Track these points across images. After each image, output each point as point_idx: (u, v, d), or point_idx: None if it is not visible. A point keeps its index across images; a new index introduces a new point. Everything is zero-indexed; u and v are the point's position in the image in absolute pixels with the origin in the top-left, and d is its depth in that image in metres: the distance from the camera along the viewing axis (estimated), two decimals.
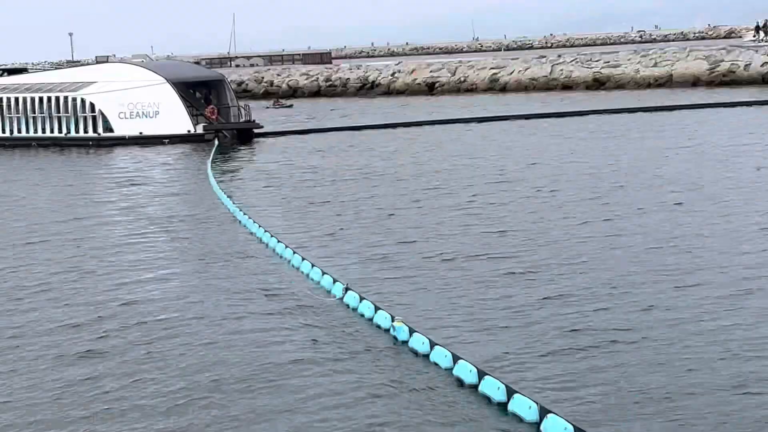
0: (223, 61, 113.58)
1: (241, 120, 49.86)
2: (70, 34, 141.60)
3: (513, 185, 28.58)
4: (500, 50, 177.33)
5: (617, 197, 25.50)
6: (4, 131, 51.69)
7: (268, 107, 73.11)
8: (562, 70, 77.38)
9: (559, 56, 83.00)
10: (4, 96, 51.63)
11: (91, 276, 19.11)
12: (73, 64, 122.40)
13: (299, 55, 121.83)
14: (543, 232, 21.25)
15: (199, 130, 47.96)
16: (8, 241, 23.33)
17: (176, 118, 48.05)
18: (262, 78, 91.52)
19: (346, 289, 16.25)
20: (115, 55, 70.37)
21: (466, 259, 19.00)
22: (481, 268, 18.22)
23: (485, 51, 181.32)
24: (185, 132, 47.91)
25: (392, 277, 17.88)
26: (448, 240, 21.00)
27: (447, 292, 16.63)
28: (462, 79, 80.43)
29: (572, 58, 79.65)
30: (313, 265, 18.18)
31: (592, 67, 76.40)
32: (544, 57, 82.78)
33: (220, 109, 49.53)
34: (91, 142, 48.91)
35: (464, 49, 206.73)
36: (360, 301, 15.62)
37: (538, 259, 18.69)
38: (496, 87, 78.17)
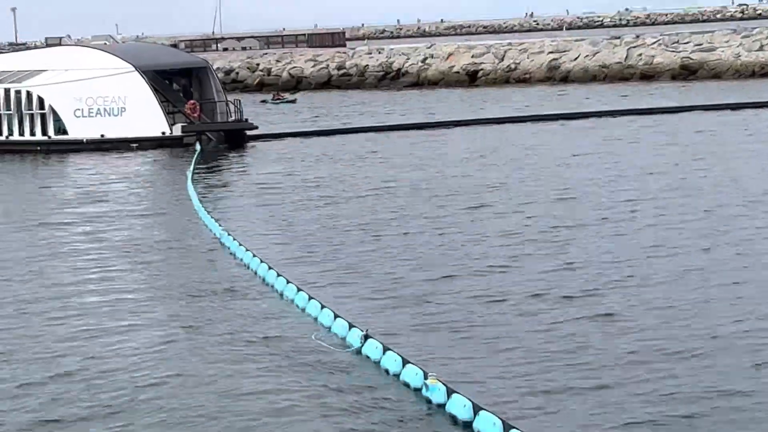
0: (207, 43, 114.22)
1: (229, 119, 50.06)
2: (13, 10, 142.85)
3: (582, 204, 28.50)
4: (561, 29, 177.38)
5: (716, 221, 25.38)
6: None
7: (265, 101, 73.49)
8: (640, 54, 77.38)
9: (637, 37, 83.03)
10: None
11: (42, 323, 19.08)
12: (16, 47, 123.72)
13: (304, 35, 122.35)
14: (621, 267, 21.12)
15: (177, 131, 48.13)
16: None
17: (147, 117, 48.20)
18: (257, 65, 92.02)
19: (366, 337, 16.18)
20: (69, 37, 71.20)
21: (518, 301, 18.90)
22: (537, 312, 18.12)
23: (542, 30, 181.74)
24: (159, 134, 48.10)
25: (424, 322, 17.78)
26: (496, 275, 20.89)
27: (494, 342, 16.52)
28: (512, 66, 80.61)
29: (654, 40, 79.66)
30: (323, 306, 18.12)
31: (680, 51, 76.36)
32: (618, 38, 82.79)
33: (203, 105, 49.72)
34: (39, 147, 49.10)
35: (515, 28, 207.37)
36: (384, 353, 15.56)
37: (615, 304, 18.56)
38: (555, 76, 78.37)
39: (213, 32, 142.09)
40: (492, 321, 17.75)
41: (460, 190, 31.93)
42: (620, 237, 24.09)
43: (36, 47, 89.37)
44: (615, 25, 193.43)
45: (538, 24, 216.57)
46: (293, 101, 73.94)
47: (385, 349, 15.64)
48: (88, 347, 17.35)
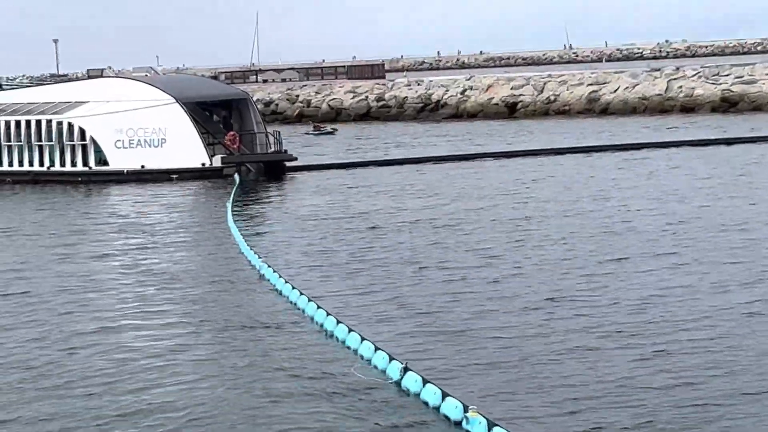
0: (247, 75, 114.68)
1: (269, 150, 50.23)
2: (55, 41, 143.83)
3: (628, 237, 28.32)
4: (600, 61, 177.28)
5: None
6: None
7: (308, 133, 73.49)
8: (681, 87, 77.11)
9: (677, 69, 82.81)
10: None
11: (84, 356, 19.13)
12: (58, 79, 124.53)
13: (343, 67, 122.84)
14: (671, 303, 20.99)
15: (217, 162, 48.36)
16: None
17: (188, 148, 48.46)
18: (297, 97, 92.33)
19: (405, 369, 16.14)
20: (111, 68, 71.61)
21: (563, 336, 18.76)
22: (583, 348, 17.97)
23: (581, 62, 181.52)
24: (199, 165, 48.34)
25: (464, 355, 17.74)
26: (540, 310, 20.75)
27: (536, 377, 16.44)
28: (551, 97, 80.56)
29: (694, 72, 79.42)
30: (363, 339, 18.12)
31: (720, 84, 76.04)
32: (658, 70, 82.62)
33: (242, 136, 49.95)
34: (80, 178, 49.44)
35: (554, 60, 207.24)
36: (423, 385, 15.53)
37: (666, 341, 18.39)
38: (595, 108, 78.21)
39: (252, 64, 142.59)
40: (535, 355, 17.64)
41: (502, 221, 31.89)
42: (670, 271, 23.90)
43: (78, 79, 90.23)
44: (654, 57, 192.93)
45: (577, 56, 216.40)
46: (332, 132, 74.13)
47: (425, 382, 15.61)
48: (129, 382, 17.33)
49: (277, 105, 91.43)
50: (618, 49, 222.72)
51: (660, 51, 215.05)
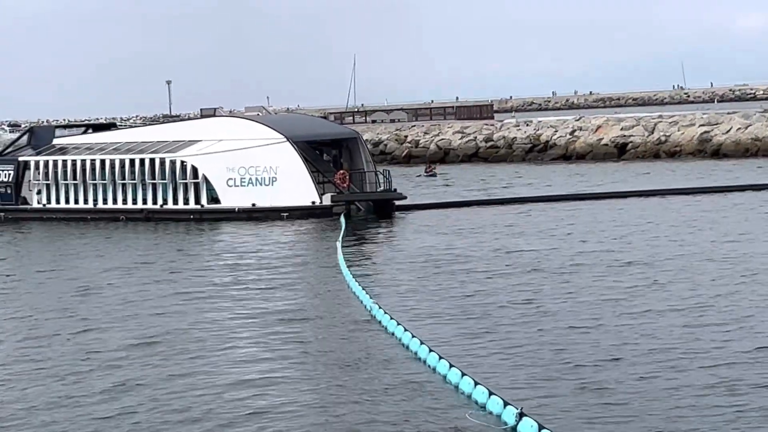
0: (356, 115, 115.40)
1: (379, 189, 50.27)
2: (168, 83, 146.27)
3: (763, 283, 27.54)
4: (712, 101, 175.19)
5: None
6: (86, 201, 53.19)
7: (420, 176, 72.98)
8: None
9: None
10: (88, 158, 53.28)
11: (193, 397, 19.26)
12: (171, 118, 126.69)
13: (452, 107, 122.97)
14: None
15: (327, 201, 48.54)
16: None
17: (298, 186, 48.73)
18: (405, 137, 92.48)
19: (521, 415, 15.90)
20: (223, 108, 72.46)
21: (691, 389, 18.26)
22: (721, 405, 17.43)
23: (693, 102, 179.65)
24: (309, 204, 48.56)
25: (582, 401, 17.47)
26: (669, 361, 20.09)
27: (650, 421, 16.01)
28: (662, 138, 79.60)
29: None
30: (476, 383, 17.88)
31: None
32: None
33: (352, 175, 50.09)
34: (192, 216, 49.99)
35: (665, 101, 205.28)
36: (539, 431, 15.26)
37: None
38: (707, 149, 77.03)
39: (355, 105, 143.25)
40: (662, 410, 17.14)
41: (622, 263, 31.25)
42: None
43: (190, 118, 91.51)
44: None
45: (688, 96, 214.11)
46: (434, 174, 73.39)
47: (541, 428, 15.35)
48: (239, 426, 17.34)
49: (385, 145, 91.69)
50: (730, 90, 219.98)
51: None
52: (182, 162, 50.77)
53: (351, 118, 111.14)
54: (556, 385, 18.50)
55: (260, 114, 56.38)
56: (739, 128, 77.61)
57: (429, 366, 19.83)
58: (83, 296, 30.25)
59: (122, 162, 52.31)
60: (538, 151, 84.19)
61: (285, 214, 48.19)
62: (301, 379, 19.74)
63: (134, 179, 51.81)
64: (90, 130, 58.74)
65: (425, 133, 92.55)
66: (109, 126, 63.59)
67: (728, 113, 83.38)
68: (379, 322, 24.06)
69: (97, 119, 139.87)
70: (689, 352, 20.32)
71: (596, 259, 32.39)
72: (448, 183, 66.41)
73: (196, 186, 50.44)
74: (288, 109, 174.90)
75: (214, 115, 59.12)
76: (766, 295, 25.58)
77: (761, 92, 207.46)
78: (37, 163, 54.47)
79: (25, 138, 59.36)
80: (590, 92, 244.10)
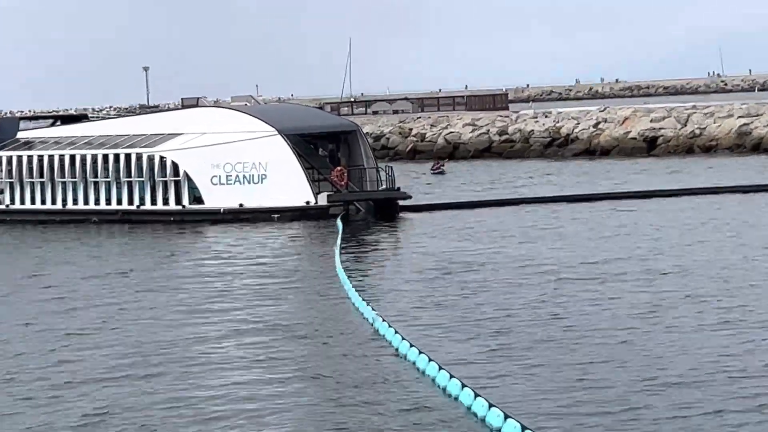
0: (356, 106, 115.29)
1: (381, 187, 50.14)
2: (145, 69, 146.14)
3: None
4: (752, 90, 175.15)
5: None
6: (54, 201, 53.11)
7: (426, 173, 72.88)
8: None
9: None
10: (56, 153, 53.19)
11: (179, 409, 19.29)
12: (148, 109, 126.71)
13: (462, 97, 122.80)
14: None
15: (322, 201, 48.42)
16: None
17: (290, 185, 48.58)
18: (410, 130, 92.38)
19: None
20: (206, 98, 72.34)
21: (726, 415, 18.19)
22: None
23: (731, 92, 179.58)
24: (303, 204, 48.44)
25: (596, 422, 17.53)
26: (701, 383, 19.99)
27: None
28: (696, 131, 79.49)
29: None
30: (491, 405, 17.84)
31: None
32: None
33: (351, 172, 49.99)
34: (172, 217, 49.87)
35: (699, 89, 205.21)
36: None
37: None
38: (746, 143, 76.89)
39: (351, 94, 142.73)
40: (665, 413, 17.24)
41: (654, 272, 31.12)
42: None
43: (170, 109, 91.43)
44: None
45: (726, 84, 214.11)
46: (442, 172, 73.41)
47: None
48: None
49: (388, 139, 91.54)
50: None
51: None
52: (161, 157, 50.59)
53: (349, 108, 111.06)
54: (573, 404, 18.47)
55: (248, 104, 56.40)
56: None
57: (439, 385, 19.73)
58: (54, 310, 30.12)
59: (94, 158, 52.18)
60: (558, 146, 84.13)
61: (276, 216, 48.08)
62: (295, 406, 19.62)
63: (108, 177, 51.63)
64: (58, 122, 58.57)
65: (432, 125, 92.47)
66: (79, 118, 63.52)
67: None
68: (383, 335, 23.99)
69: (67, 110, 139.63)
70: (729, 371, 20.27)
71: (625, 266, 32.33)
72: (458, 181, 66.35)
73: (177, 184, 50.24)
74: (279, 99, 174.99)
75: (196, 106, 59.16)
76: None
77: None
78: None
79: None
80: (616, 80, 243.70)
